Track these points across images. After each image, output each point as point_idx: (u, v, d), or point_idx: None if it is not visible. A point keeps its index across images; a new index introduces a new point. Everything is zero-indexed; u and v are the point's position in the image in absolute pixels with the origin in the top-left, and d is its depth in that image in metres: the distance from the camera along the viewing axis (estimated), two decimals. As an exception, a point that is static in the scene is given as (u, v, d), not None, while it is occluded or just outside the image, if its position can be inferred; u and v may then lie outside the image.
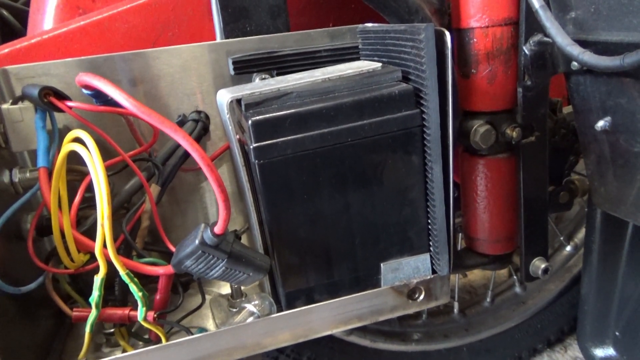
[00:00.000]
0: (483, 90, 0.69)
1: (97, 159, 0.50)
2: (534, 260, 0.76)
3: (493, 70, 0.68)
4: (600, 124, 0.63)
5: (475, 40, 0.67)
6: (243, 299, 0.65)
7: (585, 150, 0.70)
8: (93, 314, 0.56)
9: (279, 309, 0.61)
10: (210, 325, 0.66)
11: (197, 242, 0.50)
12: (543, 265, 0.75)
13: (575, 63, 0.63)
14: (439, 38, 0.54)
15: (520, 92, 0.68)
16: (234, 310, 0.64)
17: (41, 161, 0.56)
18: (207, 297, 0.69)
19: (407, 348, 1.03)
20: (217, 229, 0.49)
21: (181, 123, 0.70)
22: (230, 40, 0.70)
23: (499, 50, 0.67)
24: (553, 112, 0.80)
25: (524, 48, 0.66)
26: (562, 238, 1.11)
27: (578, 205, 1.12)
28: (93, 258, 0.56)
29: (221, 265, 0.51)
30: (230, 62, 0.69)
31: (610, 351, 0.90)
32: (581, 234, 1.11)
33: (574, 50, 0.56)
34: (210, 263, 0.51)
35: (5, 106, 0.58)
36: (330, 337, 0.97)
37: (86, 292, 0.59)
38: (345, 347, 0.98)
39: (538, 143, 0.71)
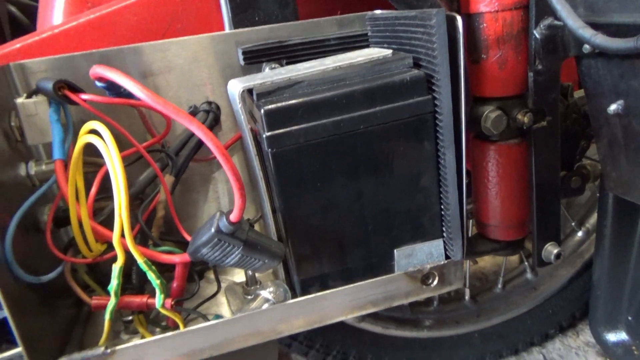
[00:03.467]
0: (494, 75, 0.69)
1: (114, 149, 0.51)
2: (546, 246, 0.76)
3: (504, 55, 0.68)
4: (613, 107, 0.62)
5: (485, 25, 0.66)
6: (258, 286, 0.66)
7: (597, 135, 0.69)
8: (112, 301, 0.57)
9: (294, 296, 0.62)
10: (225, 312, 0.67)
11: (213, 230, 0.50)
12: (555, 251, 0.75)
13: (587, 46, 0.63)
14: (450, 23, 0.54)
15: (531, 77, 0.68)
16: (249, 297, 0.65)
17: (57, 153, 0.57)
18: (223, 285, 0.70)
19: (418, 334, 1.04)
20: (233, 217, 0.50)
21: (192, 114, 0.70)
22: (239, 30, 0.70)
23: (510, 34, 0.67)
24: (564, 97, 0.80)
25: (535, 32, 0.65)
26: (573, 224, 1.11)
27: (589, 190, 1.11)
28: (110, 247, 0.57)
29: (237, 252, 0.52)
30: (239, 52, 0.69)
31: (622, 335, 0.90)
32: (593, 219, 1.10)
33: (586, 33, 0.56)
34: (226, 251, 0.52)
35: (20, 100, 0.59)
36: (343, 325, 0.98)
37: (104, 281, 0.60)
38: (357, 334, 1.00)
39: (550, 128, 0.70)
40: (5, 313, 0.52)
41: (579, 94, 0.80)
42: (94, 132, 0.53)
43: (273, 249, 0.55)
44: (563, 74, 0.70)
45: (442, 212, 0.62)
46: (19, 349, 0.54)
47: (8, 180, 0.58)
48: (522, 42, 0.67)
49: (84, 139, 0.53)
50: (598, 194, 0.89)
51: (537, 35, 0.65)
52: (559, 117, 0.71)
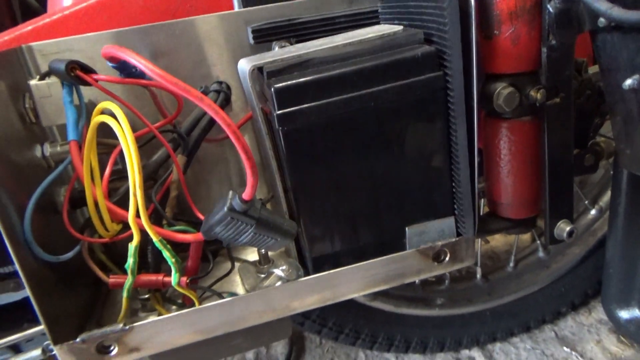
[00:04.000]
0: (507, 51, 0.68)
1: (127, 129, 0.51)
2: (558, 223, 0.75)
3: (517, 30, 0.67)
4: (629, 82, 0.61)
5: (497, -1, 0.65)
6: (271, 264, 0.67)
7: (612, 111, 0.68)
8: (129, 279, 0.58)
9: (306, 274, 0.63)
10: (239, 290, 0.68)
11: (225, 208, 0.51)
12: (568, 228, 0.74)
13: (602, 19, 0.61)
14: (462, -3, 0.53)
15: (545, 53, 0.66)
16: (262, 275, 0.66)
17: (71, 134, 0.58)
18: (236, 264, 0.71)
19: (430, 313, 1.05)
20: (245, 195, 0.50)
21: (204, 94, 0.70)
22: (249, 9, 0.70)
23: (523, 9, 0.66)
24: (578, 73, 0.79)
25: (548, 6, 0.64)
26: (586, 202, 1.10)
27: (603, 168, 1.10)
28: (126, 227, 0.57)
29: (250, 231, 0.52)
30: (249, 31, 0.69)
31: (635, 312, 0.90)
32: (606, 198, 1.09)
33: (602, 5, 0.55)
34: (239, 229, 0.52)
35: (33, 82, 0.59)
36: (355, 303, 0.99)
37: (120, 261, 0.62)
38: (369, 312, 1.01)
39: (563, 105, 0.69)
40: (27, 292, 0.53)
41: (593, 69, 0.78)
42: (107, 112, 0.54)
43: (285, 227, 0.55)
44: (577, 49, 0.68)
45: (454, 190, 0.62)
46: (41, 327, 0.56)
47: (24, 161, 0.59)
48: (535, 16, 0.66)
49: (97, 119, 0.54)
50: (612, 172, 0.88)
51: (551, 10, 0.64)
52: (573, 94, 0.70)
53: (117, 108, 0.52)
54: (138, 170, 0.51)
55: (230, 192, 0.52)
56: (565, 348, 1.09)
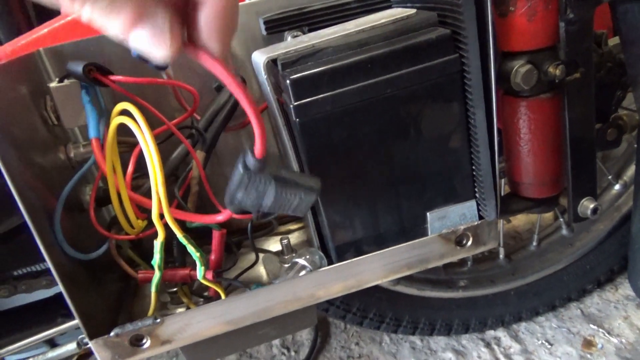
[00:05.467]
0: (523, 28, 0.66)
1: (146, 130, 0.52)
2: (582, 201, 0.74)
3: (532, 5, 0.65)
4: (652, 53, 0.60)
5: (512, -25, 0.64)
6: (294, 254, 0.67)
7: (635, 83, 0.67)
8: (157, 275, 0.59)
9: (330, 263, 0.63)
10: (264, 281, 0.69)
11: (241, 169, 0.48)
12: (592, 205, 0.73)
13: (622, -10, 0.59)
14: (475, -23, 0.52)
15: (563, 27, 0.65)
16: (286, 265, 0.66)
17: (92, 132, 0.59)
18: (260, 254, 0.72)
19: (454, 294, 1.05)
20: (257, 152, 0.47)
21: (218, 89, 0.71)
22: (259, 0, 0.70)
23: (538, -17, 0.64)
24: (598, 45, 0.77)
25: (566, -21, 0.62)
26: (610, 177, 1.08)
27: (626, 142, 1.08)
28: (151, 224, 0.59)
29: (271, 189, 0.49)
30: (261, 21, 0.69)
31: (663, 287, 0.89)
32: (630, 172, 1.07)
33: (622, -25, 0.53)
34: (260, 190, 0.49)
35: (53, 85, 0.61)
36: (378, 288, 0.99)
37: (147, 256, 0.63)
38: (392, 296, 1.01)
39: (583, 79, 0.68)
40: (60, 288, 0.55)
41: (613, 41, 0.76)
42: (125, 112, 0.55)
43: (308, 182, 0.52)
44: (596, 21, 0.67)
45: (474, 173, 0.61)
46: (75, 321, 0.58)
47: (49, 163, 0.61)
48: (552, -10, 0.64)
49: (116, 120, 0.55)
50: (635, 145, 0.86)
51: (569, -17, 0.62)
52: (593, 68, 0.68)
53: (134, 109, 0.53)
54: (159, 169, 0.52)
55: (241, 153, 0.50)
56: (592, 325, 1.08)
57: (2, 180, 0.49)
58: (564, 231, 1.10)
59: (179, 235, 0.56)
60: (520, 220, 1.32)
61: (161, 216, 0.56)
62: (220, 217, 0.56)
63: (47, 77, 0.67)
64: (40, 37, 0.71)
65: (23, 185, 0.51)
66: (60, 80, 0.61)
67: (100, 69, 0.59)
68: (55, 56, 0.67)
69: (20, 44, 0.68)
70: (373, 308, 1.01)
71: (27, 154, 0.55)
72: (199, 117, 0.69)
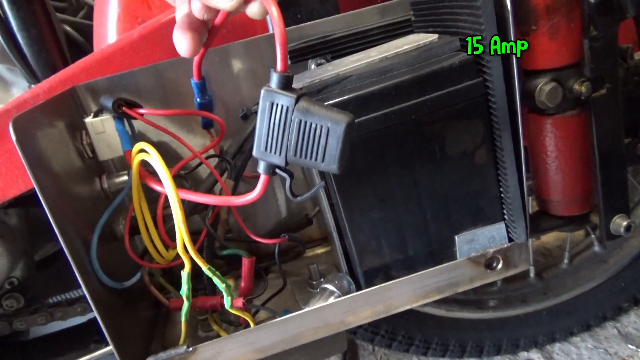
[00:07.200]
0: (545, 46, 0.66)
1: (163, 169, 0.53)
2: (614, 218, 0.73)
3: (555, 24, 0.65)
4: (680, 67, 0.59)
5: (532, -5, 0.64)
6: (321, 280, 0.68)
7: (664, 97, 0.66)
8: (185, 305, 0.60)
9: (358, 288, 0.63)
10: (292, 306, 0.69)
11: (263, 89, 0.46)
12: (625, 223, 0.72)
13: (647, 6, 0.59)
14: (497, 0, 0.53)
15: (587, 44, 0.64)
16: (314, 291, 0.67)
17: (126, 145, 0.62)
18: (287, 280, 0.72)
19: (484, 315, 1.03)
20: (279, 67, 0.45)
21: (245, 117, 0.72)
22: (283, 29, 0.72)
23: (559, 2, 0.64)
24: (623, 60, 0.76)
25: (587, -4, 0.62)
26: (642, 191, 1.05)
27: (658, 155, 1.05)
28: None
29: (294, 117, 0.46)
30: (285, 51, 0.70)
31: None
32: (663, 185, 1.04)
33: (647, -8, 0.53)
34: (283, 119, 0.46)
35: (88, 120, 0.63)
36: (406, 310, 0.98)
37: (179, 283, 0.64)
38: (421, 318, 1.00)
39: (610, 95, 0.67)
40: (95, 315, 0.56)
41: (639, 55, 0.75)
42: (143, 151, 0.56)
43: (334, 111, 0.46)
44: (620, 35, 0.66)
45: (502, 195, 0.61)
46: (109, 348, 0.59)
47: (85, 195, 0.63)
48: (573, 7, 0.64)
49: (137, 158, 0.56)
50: (668, 159, 0.84)
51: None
52: (620, 83, 0.68)
53: (151, 148, 0.54)
54: (179, 207, 0.53)
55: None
56: (630, 345, 1.04)
57: (41, 210, 0.52)
58: (597, 248, 1.08)
59: (204, 268, 0.57)
60: (549, 236, 1.29)
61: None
62: (245, 200, 0.53)
63: (82, 112, 0.69)
64: (75, 73, 0.74)
65: (60, 215, 0.53)
66: (95, 115, 0.64)
67: (129, 103, 0.62)
68: (89, 91, 0.69)
69: (55, 81, 0.71)
70: (401, 330, 0.99)
71: (64, 185, 0.57)
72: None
